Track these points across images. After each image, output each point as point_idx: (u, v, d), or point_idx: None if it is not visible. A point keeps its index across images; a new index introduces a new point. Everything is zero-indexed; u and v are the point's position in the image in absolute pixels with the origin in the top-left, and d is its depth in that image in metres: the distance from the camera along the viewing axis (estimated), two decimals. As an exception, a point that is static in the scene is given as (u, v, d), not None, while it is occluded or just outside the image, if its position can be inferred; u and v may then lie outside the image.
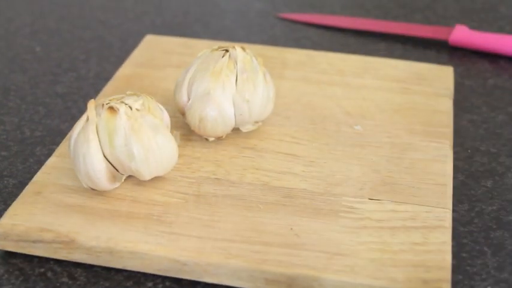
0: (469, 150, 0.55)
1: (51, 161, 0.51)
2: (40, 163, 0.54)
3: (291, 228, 0.45)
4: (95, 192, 0.47)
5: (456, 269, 0.45)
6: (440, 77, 0.61)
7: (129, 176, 0.49)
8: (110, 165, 0.46)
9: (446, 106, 0.57)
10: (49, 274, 0.45)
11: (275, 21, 0.77)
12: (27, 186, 0.48)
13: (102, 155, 0.46)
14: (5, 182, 0.52)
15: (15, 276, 0.44)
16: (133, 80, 0.61)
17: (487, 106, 0.61)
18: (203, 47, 0.61)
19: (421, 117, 0.55)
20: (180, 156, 0.49)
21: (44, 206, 0.46)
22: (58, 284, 0.44)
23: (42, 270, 0.45)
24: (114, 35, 0.74)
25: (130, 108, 0.46)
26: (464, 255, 0.46)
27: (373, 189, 0.48)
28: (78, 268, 0.45)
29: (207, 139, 0.53)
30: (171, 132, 0.49)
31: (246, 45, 0.54)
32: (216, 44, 0.63)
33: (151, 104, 0.48)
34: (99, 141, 0.46)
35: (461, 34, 0.69)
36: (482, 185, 0.52)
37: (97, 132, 0.46)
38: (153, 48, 0.66)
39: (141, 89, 0.58)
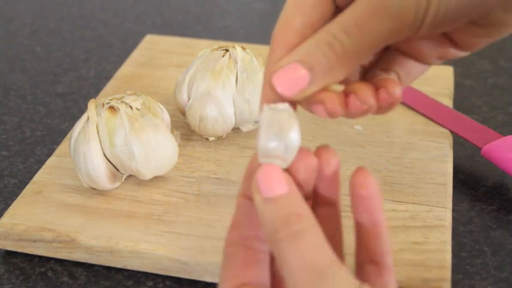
0: (469, 150, 0.55)
1: (52, 160, 0.51)
2: (40, 163, 0.54)
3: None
4: (95, 191, 0.47)
5: (456, 268, 0.45)
6: (440, 77, 0.61)
7: (130, 176, 0.49)
8: (110, 164, 0.46)
9: (446, 106, 0.57)
10: (49, 273, 0.45)
11: (275, 21, 0.77)
12: (27, 186, 0.48)
13: (102, 155, 0.46)
14: (6, 181, 0.52)
15: (16, 276, 0.44)
16: (133, 79, 0.61)
17: (487, 106, 0.61)
18: (203, 47, 0.61)
19: (421, 117, 0.55)
20: (180, 155, 0.49)
21: (45, 206, 0.47)
22: (58, 283, 0.44)
23: (42, 269, 0.45)
24: (114, 35, 0.74)
25: (131, 107, 0.46)
26: (464, 254, 0.46)
27: (373, 189, 0.48)
28: (79, 267, 0.45)
29: (207, 139, 0.53)
30: (172, 131, 0.49)
31: (246, 45, 0.54)
32: (216, 43, 0.63)
33: (152, 103, 0.48)
34: (100, 140, 0.46)
35: None
36: (482, 185, 0.52)
37: (97, 131, 0.46)
38: (153, 48, 0.66)
39: (141, 88, 0.58)
